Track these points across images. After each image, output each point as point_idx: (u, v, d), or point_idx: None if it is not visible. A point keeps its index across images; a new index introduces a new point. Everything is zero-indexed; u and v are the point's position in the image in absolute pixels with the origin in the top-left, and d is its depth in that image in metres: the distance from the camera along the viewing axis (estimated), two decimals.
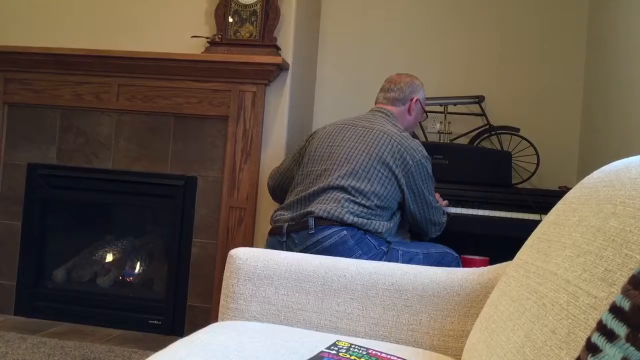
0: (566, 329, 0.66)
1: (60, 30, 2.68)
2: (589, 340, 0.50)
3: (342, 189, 1.80)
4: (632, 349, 0.43)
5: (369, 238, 1.77)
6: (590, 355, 0.48)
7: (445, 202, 2.21)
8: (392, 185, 1.83)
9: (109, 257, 2.86)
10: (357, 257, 1.72)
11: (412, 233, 2.09)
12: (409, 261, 1.80)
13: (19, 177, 2.67)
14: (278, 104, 2.50)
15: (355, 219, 1.76)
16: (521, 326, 0.78)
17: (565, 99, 2.80)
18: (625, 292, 0.49)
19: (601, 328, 0.48)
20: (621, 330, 0.46)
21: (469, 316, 1.14)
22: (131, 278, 2.82)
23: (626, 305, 0.47)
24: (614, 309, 0.48)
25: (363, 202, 1.79)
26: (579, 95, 2.79)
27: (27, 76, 2.63)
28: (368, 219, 1.78)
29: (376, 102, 2.12)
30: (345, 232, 1.74)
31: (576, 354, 0.60)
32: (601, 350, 0.47)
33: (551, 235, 0.87)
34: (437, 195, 2.14)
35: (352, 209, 1.77)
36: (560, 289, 0.72)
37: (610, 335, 0.47)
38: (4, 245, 2.67)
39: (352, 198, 1.78)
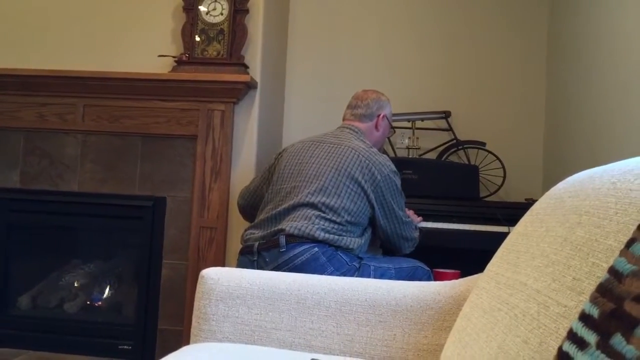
0: (538, 339, 0.67)
1: (23, 50, 2.63)
2: (560, 349, 0.51)
3: (312, 205, 1.80)
4: (602, 356, 0.44)
5: (341, 254, 1.77)
6: None
7: (420, 218, 2.21)
8: (362, 200, 1.84)
9: (76, 282, 2.79)
10: (329, 274, 1.71)
11: (385, 250, 2.09)
12: (381, 276, 1.80)
13: None
14: (247, 122, 2.50)
15: (327, 235, 1.75)
16: (494, 337, 0.79)
17: (528, 112, 2.87)
18: (593, 300, 0.50)
19: (572, 336, 0.49)
20: (591, 337, 0.47)
21: (443, 329, 1.14)
22: (99, 302, 2.75)
23: (595, 312, 0.48)
24: (584, 317, 0.49)
25: (333, 218, 1.78)
26: (541, 108, 2.86)
27: None
28: (339, 235, 1.78)
29: (343, 119, 2.13)
30: (316, 248, 1.73)
31: None
32: (573, 359, 0.48)
33: (520, 246, 0.88)
34: (412, 212, 2.15)
35: (323, 225, 1.76)
36: (531, 299, 0.73)
37: (580, 344, 0.47)
38: None
39: (322, 214, 1.78)
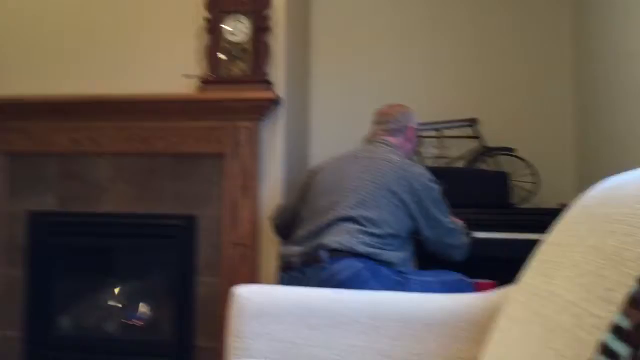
0: (573, 351, 0.66)
1: (54, 77, 2.70)
2: None
3: (352, 219, 1.79)
4: None
5: (383, 269, 1.76)
6: None
7: (461, 221, 2.16)
8: (402, 212, 1.83)
9: (114, 301, 2.84)
10: (372, 289, 1.69)
11: (426, 262, 2.04)
12: (425, 291, 1.77)
13: (19, 226, 2.66)
14: (273, 138, 2.52)
15: (368, 249, 1.74)
16: (529, 350, 0.78)
17: (557, 115, 2.83)
18: (624, 311, 0.49)
19: (603, 349, 0.49)
20: (623, 350, 0.46)
21: (478, 342, 1.13)
22: (137, 321, 2.79)
23: (626, 324, 0.47)
24: (615, 329, 0.49)
25: (374, 231, 1.78)
26: (571, 110, 2.81)
27: (24, 124, 2.65)
28: (380, 249, 1.77)
29: (373, 135, 2.13)
30: (359, 263, 1.72)
31: None
32: None
33: (551, 256, 0.87)
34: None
35: (364, 239, 1.76)
36: (564, 310, 0.72)
37: (611, 356, 0.47)
38: (7, 295, 2.65)
39: (363, 228, 1.77)
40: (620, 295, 0.62)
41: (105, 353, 2.59)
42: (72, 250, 2.76)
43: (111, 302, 2.83)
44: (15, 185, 2.68)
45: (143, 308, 2.81)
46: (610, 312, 0.62)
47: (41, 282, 2.66)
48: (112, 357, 2.57)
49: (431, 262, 2.02)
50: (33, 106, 2.61)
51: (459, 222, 2.05)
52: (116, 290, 2.86)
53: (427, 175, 1.92)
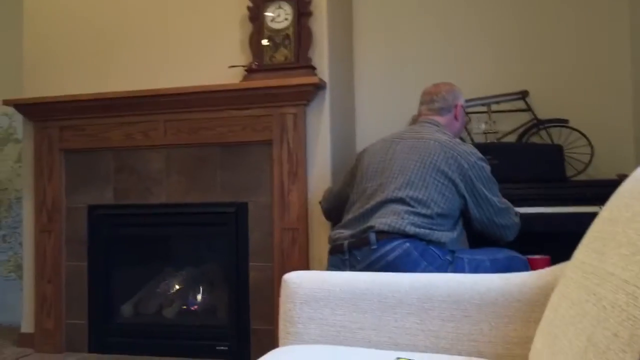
0: (628, 332, 0.63)
1: (104, 75, 2.80)
2: None
3: (401, 200, 1.78)
4: None
5: (433, 248, 1.74)
6: None
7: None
8: (451, 192, 1.80)
9: (172, 288, 2.94)
10: (422, 269, 1.68)
11: (478, 241, 2.01)
12: (476, 269, 1.75)
13: (80, 219, 2.79)
14: (319, 122, 2.52)
15: (417, 229, 1.73)
16: (583, 330, 0.76)
17: (613, 82, 2.70)
18: None
19: None
20: None
21: (531, 321, 1.11)
22: (195, 307, 2.88)
23: None
24: None
25: (422, 211, 1.76)
26: (627, 75, 2.68)
27: (79, 122, 2.76)
28: (430, 229, 1.75)
29: (420, 115, 2.10)
30: (408, 244, 1.71)
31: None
32: None
33: (605, 233, 0.84)
34: None
35: (413, 220, 1.74)
36: (619, 289, 0.70)
37: None
38: (73, 286, 2.78)
39: (411, 209, 1.76)
40: None
41: (165, 338, 2.69)
42: (131, 240, 2.87)
43: (169, 289, 2.93)
44: (74, 180, 2.80)
45: (199, 294, 2.90)
46: None
47: (103, 272, 2.78)
48: (171, 341, 2.67)
49: (484, 241, 1.98)
50: (87, 104, 2.70)
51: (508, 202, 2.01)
52: (173, 278, 2.95)
53: (477, 154, 1.88)
